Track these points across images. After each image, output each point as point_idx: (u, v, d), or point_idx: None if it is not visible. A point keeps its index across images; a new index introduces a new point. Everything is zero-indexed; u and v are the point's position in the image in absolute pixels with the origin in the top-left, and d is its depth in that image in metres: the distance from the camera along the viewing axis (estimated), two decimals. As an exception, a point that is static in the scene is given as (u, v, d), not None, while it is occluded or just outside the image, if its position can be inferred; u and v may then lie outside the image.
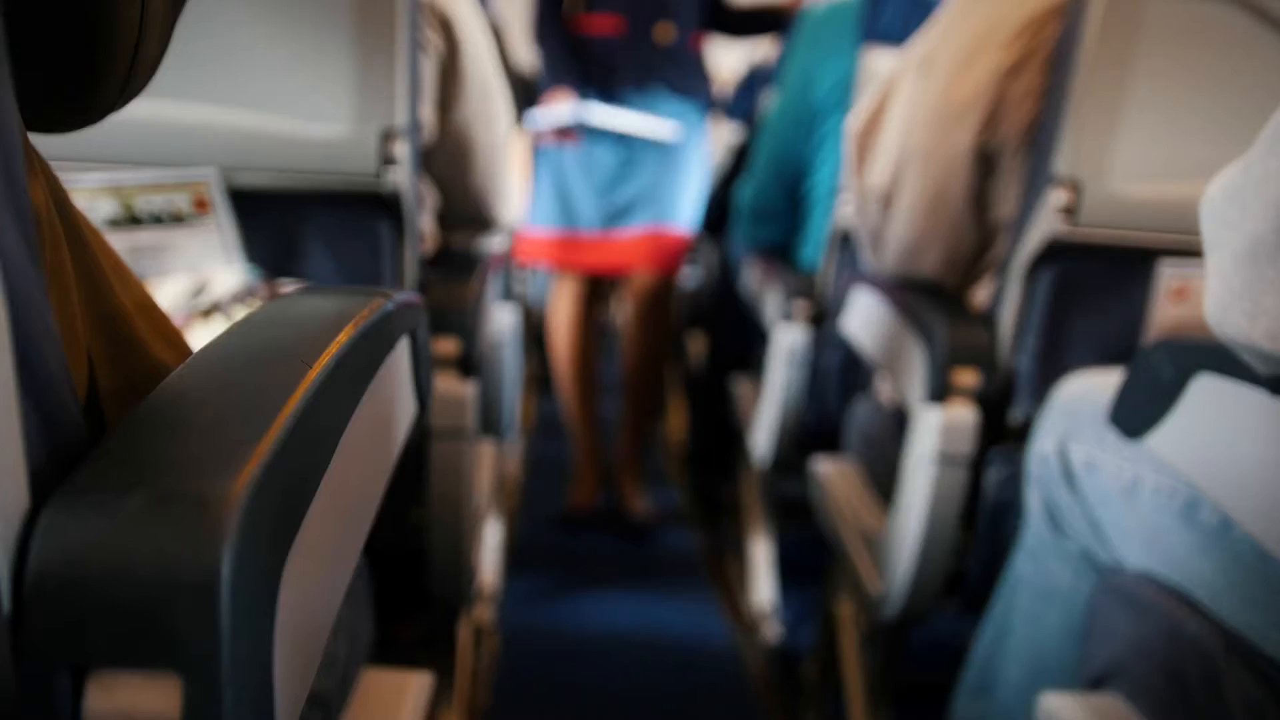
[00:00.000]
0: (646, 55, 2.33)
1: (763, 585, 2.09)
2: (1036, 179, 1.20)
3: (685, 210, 2.48)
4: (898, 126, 1.38)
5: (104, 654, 0.36)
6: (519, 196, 1.74)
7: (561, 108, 2.29)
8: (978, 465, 1.23)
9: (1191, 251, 1.15)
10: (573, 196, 2.42)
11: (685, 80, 2.39)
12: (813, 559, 1.87)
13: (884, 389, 1.54)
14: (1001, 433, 1.24)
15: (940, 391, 1.21)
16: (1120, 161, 1.15)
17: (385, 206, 1.17)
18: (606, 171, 2.40)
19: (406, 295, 0.70)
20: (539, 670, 1.91)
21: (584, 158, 2.39)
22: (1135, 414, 0.89)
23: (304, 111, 1.12)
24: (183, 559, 0.36)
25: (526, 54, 2.67)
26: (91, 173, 1.04)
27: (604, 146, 2.37)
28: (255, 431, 0.41)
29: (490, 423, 1.66)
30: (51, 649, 0.36)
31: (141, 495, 0.37)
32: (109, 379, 0.50)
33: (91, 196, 1.03)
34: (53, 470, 0.39)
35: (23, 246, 0.37)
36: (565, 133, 2.33)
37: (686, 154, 2.44)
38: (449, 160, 1.43)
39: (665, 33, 2.35)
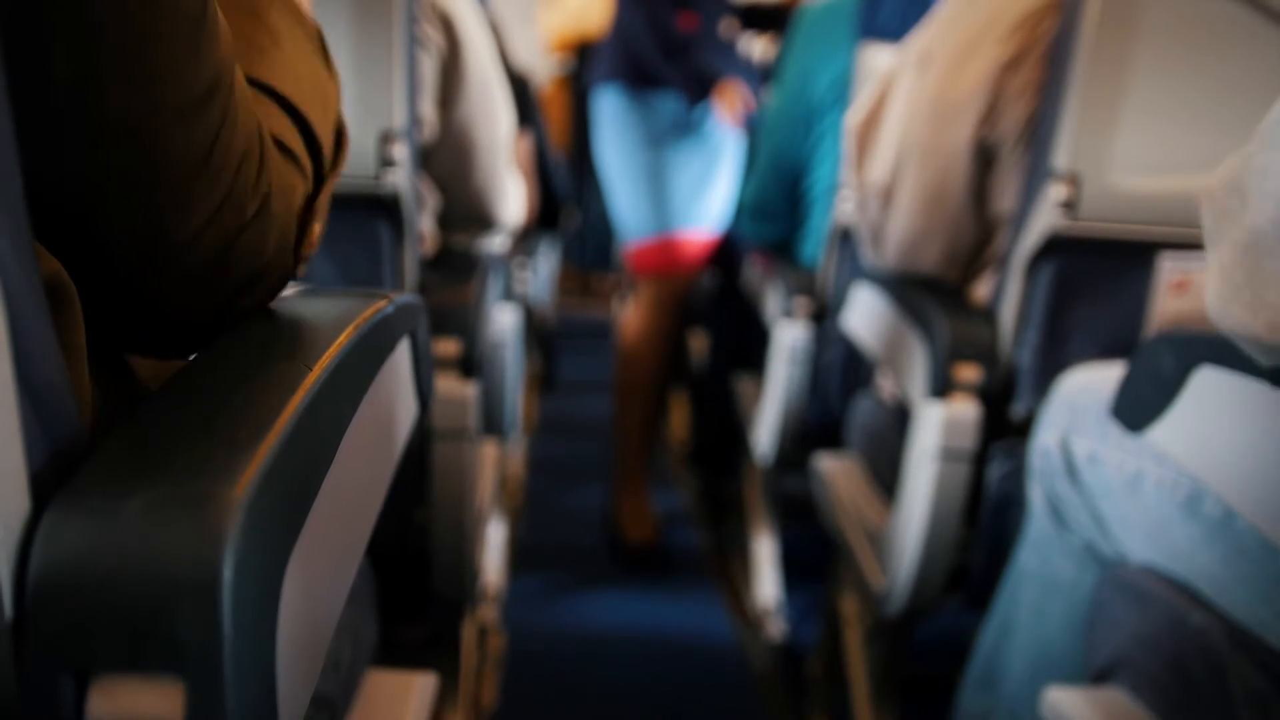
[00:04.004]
0: (719, 50, 2.32)
1: (766, 582, 2.09)
2: (1036, 173, 1.20)
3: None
4: (896, 122, 1.38)
5: (106, 658, 0.36)
6: (519, 197, 1.73)
7: (749, 99, 2.28)
8: (980, 460, 1.23)
9: (1192, 244, 1.15)
10: (695, 193, 2.40)
11: (741, 75, 2.39)
12: (816, 555, 1.88)
13: (885, 385, 1.54)
14: (1003, 427, 1.24)
15: (942, 387, 1.21)
16: (1119, 155, 1.15)
17: (384, 208, 1.17)
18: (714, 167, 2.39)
19: (407, 297, 0.71)
20: (544, 669, 1.91)
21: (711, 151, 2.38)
22: (1137, 407, 0.89)
23: (302, 114, 1.12)
24: (184, 562, 0.36)
25: (525, 56, 2.64)
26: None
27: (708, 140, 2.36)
28: (256, 434, 0.41)
29: (492, 422, 1.66)
30: (53, 654, 0.36)
31: (142, 499, 0.37)
32: (113, 383, 0.50)
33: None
34: (54, 475, 0.39)
35: (19, 253, 0.37)
36: (747, 120, 2.32)
37: (732, 148, 2.44)
38: (449, 160, 1.43)
39: (731, 28, 2.34)
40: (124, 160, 0.45)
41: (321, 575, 0.50)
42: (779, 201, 2.13)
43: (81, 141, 0.44)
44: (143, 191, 0.47)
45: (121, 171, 0.46)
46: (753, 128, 2.43)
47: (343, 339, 0.53)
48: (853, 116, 1.52)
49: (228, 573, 0.36)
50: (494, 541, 1.81)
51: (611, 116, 2.35)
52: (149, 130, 0.45)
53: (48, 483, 0.38)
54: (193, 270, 0.50)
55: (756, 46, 2.99)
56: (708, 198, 2.37)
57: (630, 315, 2.47)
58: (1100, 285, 1.21)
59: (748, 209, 2.21)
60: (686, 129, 2.31)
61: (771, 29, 2.64)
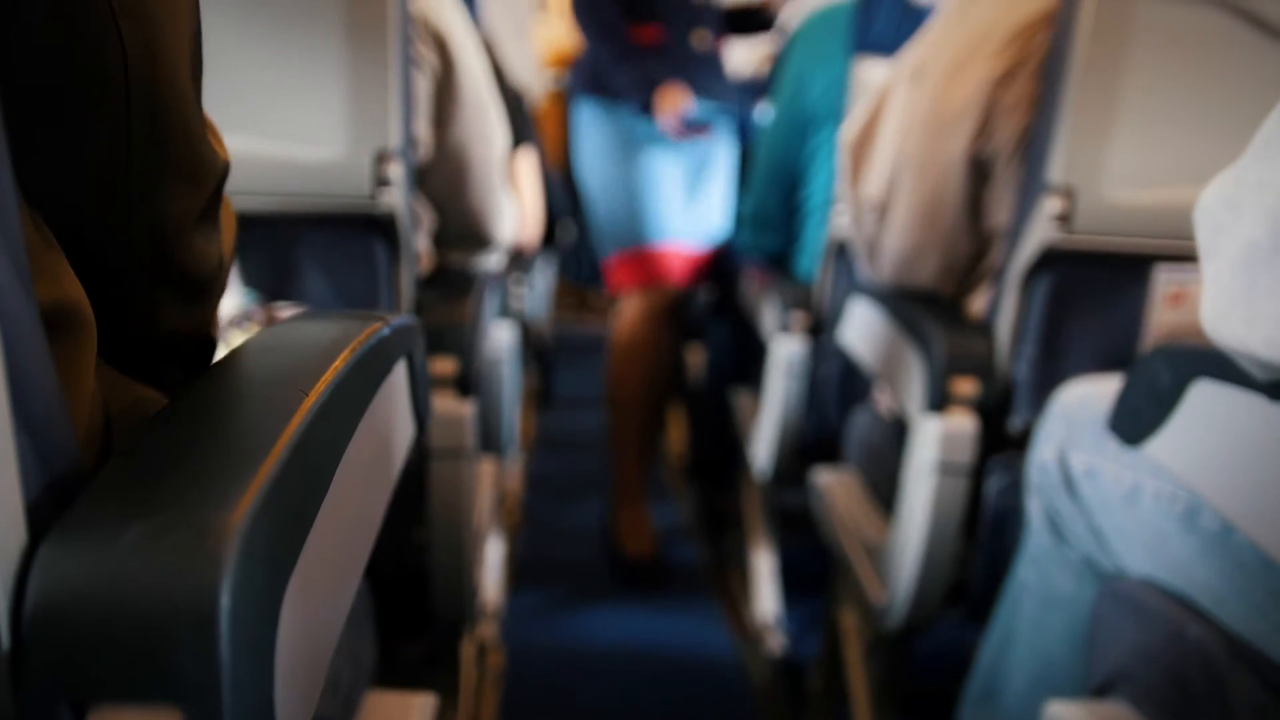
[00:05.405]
0: (688, 63, 2.30)
1: (766, 596, 2.08)
2: (1030, 187, 1.20)
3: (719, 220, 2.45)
4: (891, 136, 1.39)
5: (104, 688, 0.36)
6: (514, 215, 1.73)
7: (685, 102, 2.25)
8: (978, 474, 1.22)
9: (1187, 256, 1.15)
10: (679, 203, 2.37)
11: (719, 86, 2.37)
12: (815, 570, 1.87)
13: (883, 399, 1.54)
14: (1001, 441, 1.24)
15: (939, 401, 1.21)
16: (1113, 168, 1.15)
17: (380, 228, 1.17)
18: (691, 178, 2.37)
19: (403, 318, 0.71)
20: (544, 686, 1.90)
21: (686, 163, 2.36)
22: (1134, 421, 0.89)
23: (297, 135, 1.12)
24: (181, 591, 0.36)
25: (520, 71, 2.64)
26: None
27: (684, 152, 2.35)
28: (253, 460, 0.41)
29: (490, 439, 1.66)
30: (51, 684, 0.36)
31: (139, 527, 0.37)
32: (117, 407, 0.50)
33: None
34: (50, 504, 0.39)
35: (16, 280, 0.37)
36: (695, 128, 2.30)
37: (721, 161, 2.43)
38: (445, 179, 1.43)
39: (701, 39, 2.33)
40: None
41: (320, 599, 0.49)
42: (777, 211, 2.13)
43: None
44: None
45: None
46: (747, 139, 2.43)
47: (339, 363, 0.53)
48: (847, 131, 1.52)
49: (225, 601, 0.36)
50: (492, 558, 1.80)
51: (586, 128, 2.35)
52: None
53: (45, 513, 0.38)
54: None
55: (747, 60, 2.98)
56: (689, 210, 2.36)
57: (615, 330, 2.46)
58: (1096, 298, 1.21)
59: (747, 220, 2.21)
60: (664, 140, 2.29)
61: (755, 30, 2.61)
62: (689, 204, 2.36)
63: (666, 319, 2.43)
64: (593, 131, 2.34)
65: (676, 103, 2.24)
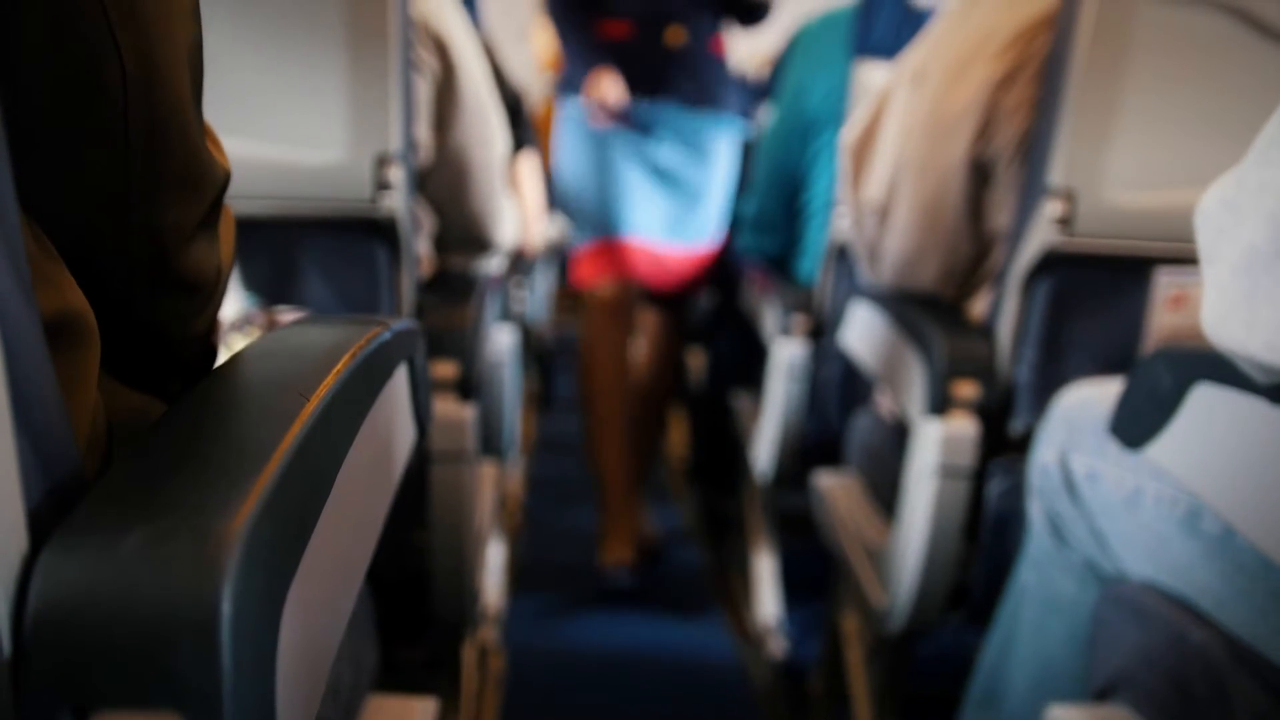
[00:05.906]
0: (658, 60, 2.25)
1: (767, 600, 2.08)
2: (1031, 190, 1.20)
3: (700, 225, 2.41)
4: (892, 139, 1.39)
5: (105, 694, 0.36)
6: (514, 219, 1.74)
7: (612, 91, 2.20)
8: (979, 477, 1.22)
9: (1188, 259, 1.15)
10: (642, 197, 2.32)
11: (702, 88, 2.29)
12: (817, 573, 1.87)
13: (884, 402, 1.54)
14: (1002, 444, 1.24)
15: (940, 404, 1.21)
16: (1114, 171, 1.15)
17: (381, 232, 1.17)
18: (664, 171, 2.32)
19: (404, 322, 0.71)
20: (545, 689, 1.90)
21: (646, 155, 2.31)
22: (1135, 424, 0.89)
23: (298, 138, 1.12)
24: (182, 597, 0.36)
25: (520, 74, 2.63)
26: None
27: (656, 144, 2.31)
28: (254, 466, 0.41)
29: (491, 443, 1.66)
30: (52, 690, 0.36)
31: (140, 534, 0.37)
32: (118, 416, 0.51)
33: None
34: (51, 511, 0.39)
35: (17, 287, 0.37)
36: (620, 116, 2.24)
37: (714, 164, 2.38)
38: (446, 183, 1.43)
39: (675, 36, 2.26)
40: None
41: (321, 604, 0.49)
42: (778, 215, 2.13)
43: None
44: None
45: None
46: (748, 142, 2.43)
47: (340, 367, 0.53)
48: (848, 134, 1.52)
49: (226, 607, 0.36)
50: (493, 562, 1.80)
51: (562, 123, 2.34)
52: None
53: (46, 519, 0.38)
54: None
55: (748, 60, 2.96)
56: (665, 210, 2.32)
57: (581, 331, 2.42)
58: (1097, 301, 1.21)
59: (748, 223, 2.21)
60: (634, 136, 2.27)
61: (754, 20, 2.57)
62: (666, 204, 2.32)
63: (632, 317, 2.39)
64: (567, 126, 2.33)
65: (600, 90, 2.20)
